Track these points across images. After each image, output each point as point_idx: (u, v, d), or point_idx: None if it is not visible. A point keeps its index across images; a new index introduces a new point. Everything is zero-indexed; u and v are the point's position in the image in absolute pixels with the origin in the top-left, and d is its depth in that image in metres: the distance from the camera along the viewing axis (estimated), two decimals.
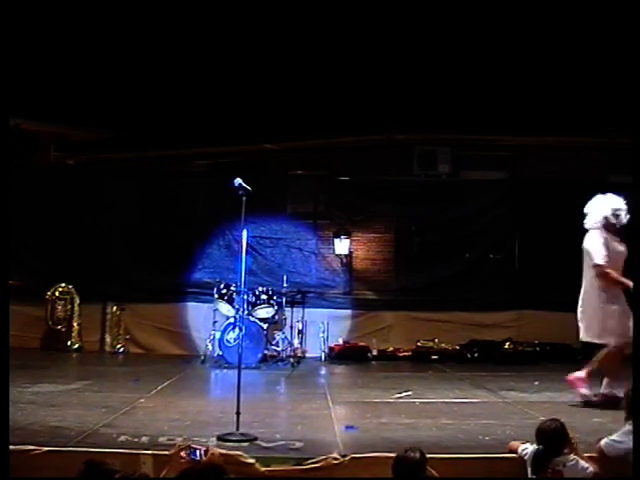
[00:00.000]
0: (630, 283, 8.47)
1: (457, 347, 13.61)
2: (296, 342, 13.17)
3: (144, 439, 6.63)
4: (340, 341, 13.72)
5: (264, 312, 12.67)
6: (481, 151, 14.55)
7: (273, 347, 12.76)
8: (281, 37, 12.11)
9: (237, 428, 6.87)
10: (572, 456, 5.71)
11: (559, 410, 7.89)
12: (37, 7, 11.20)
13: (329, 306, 14.27)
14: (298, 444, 6.64)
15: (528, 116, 13.60)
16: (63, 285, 13.97)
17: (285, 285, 13.10)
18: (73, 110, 12.99)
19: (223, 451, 6.05)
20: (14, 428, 6.71)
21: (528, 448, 5.94)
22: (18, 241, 13.39)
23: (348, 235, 14.55)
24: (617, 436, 5.88)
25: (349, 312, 14.35)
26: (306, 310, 13.75)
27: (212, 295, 12.79)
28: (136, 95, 12.83)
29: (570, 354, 13.14)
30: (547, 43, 12.44)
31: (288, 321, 13.41)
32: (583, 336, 9.10)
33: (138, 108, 13.07)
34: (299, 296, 13.70)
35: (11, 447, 5.86)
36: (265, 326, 12.42)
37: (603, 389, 8.83)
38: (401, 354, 13.59)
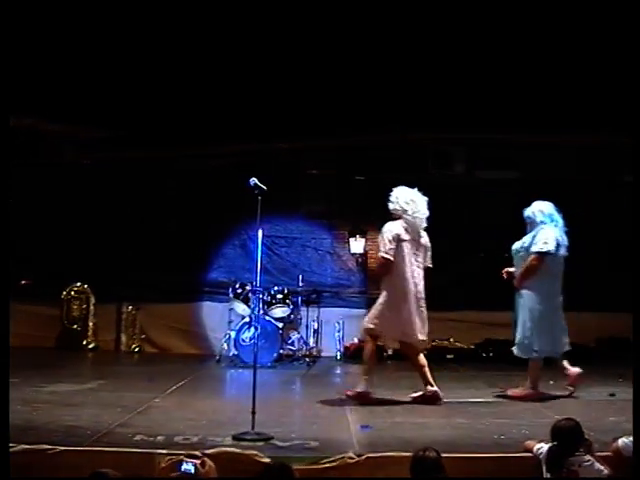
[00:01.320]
0: None
1: (472, 346, 13.59)
2: (311, 341, 13.20)
3: (159, 438, 6.64)
4: (355, 340, 13.71)
5: (279, 311, 12.69)
6: (496, 150, 14.49)
7: (288, 346, 12.79)
8: (295, 35, 12.08)
9: (252, 427, 6.88)
10: (588, 457, 5.68)
11: (574, 409, 7.88)
12: (47, 7, 11.24)
13: (345, 305, 14.28)
14: (313, 443, 6.64)
15: (543, 115, 13.53)
16: (78, 285, 14.04)
17: (300, 284, 13.13)
18: (89, 109, 12.99)
19: (238, 450, 6.06)
20: (30, 428, 6.76)
21: (543, 447, 5.91)
22: (33, 240, 13.46)
23: (363, 234, 14.54)
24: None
25: (364, 311, 14.32)
26: (321, 309, 13.76)
27: (227, 294, 12.82)
28: (152, 93, 12.83)
29: (585, 354, 13.10)
30: (565, 42, 12.37)
31: (303, 320, 13.43)
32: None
33: (154, 106, 13.06)
34: (314, 295, 13.72)
35: (26, 446, 5.89)
36: (280, 325, 12.45)
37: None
38: None
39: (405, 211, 9.15)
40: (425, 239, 9.30)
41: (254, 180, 7.86)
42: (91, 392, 9.28)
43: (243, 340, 12.01)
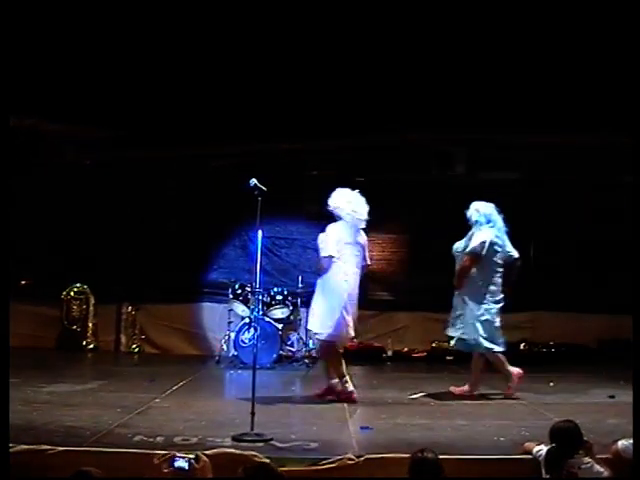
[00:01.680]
0: None
1: None
2: (311, 343, 13.17)
3: (159, 439, 6.64)
4: (355, 342, 13.70)
5: (279, 312, 12.69)
6: (497, 151, 14.48)
7: (288, 347, 12.78)
8: (295, 35, 12.08)
9: (252, 428, 6.88)
10: (587, 459, 5.67)
11: (574, 411, 7.87)
12: (47, 7, 11.24)
13: None
14: (313, 444, 6.64)
15: (545, 116, 13.51)
16: (78, 285, 14.03)
17: (300, 285, 13.10)
18: (88, 109, 12.99)
19: (237, 451, 6.06)
20: (29, 428, 6.77)
21: (543, 449, 5.91)
22: (33, 240, 13.46)
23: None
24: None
25: (364, 313, 14.34)
26: None
27: (227, 295, 12.82)
28: (152, 93, 12.82)
29: (586, 355, 13.14)
30: (568, 43, 12.37)
31: (303, 322, 13.40)
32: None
33: (154, 106, 13.06)
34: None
35: (26, 447, 5.89)
36: (280, 326, 12.44)
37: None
38: (416, 355, 13.59)
39: (346, 213, 9.35)
40: (363, 238, 9.49)
41: (254, 181, 7.87)
42: (91, 392, 9.27)
43: (243, 341, 12.01)
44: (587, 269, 14.01)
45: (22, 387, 8.83)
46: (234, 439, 6.69)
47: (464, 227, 13.48)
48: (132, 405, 8.31)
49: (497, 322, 9.57)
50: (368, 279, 14.66)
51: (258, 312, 10.85)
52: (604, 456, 5.80)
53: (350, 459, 6.02)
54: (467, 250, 9.49)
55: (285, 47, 12.29)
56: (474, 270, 9.44)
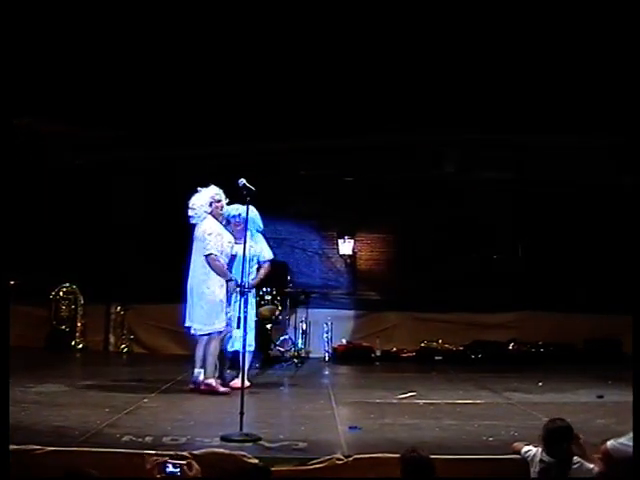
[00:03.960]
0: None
1: (461, 348, 13.62)
2: (300, 342, 13.18)
3: (148, 439, 6.62)
4: (344, 342, 13.72)
5: (268, 312, 12.67)
6: (488, 151, 14.48)
7: (277, 347, 12.77)
8: (289, 37, 12.08)
9: (241, 428, 6.87)
10: (576, 458, 5.69)
11: (563, 411, 7.88)
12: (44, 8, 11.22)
13: (333, 306, 14.30)
14: (302, 444, 6.63)
15: (535, 116, 13.50)
16: (67, 285, 14.00)
17: (289, 285, 13.10)
18: (82, 109, 12.96)
19: (226, 451, 6.06)
20: (18, 428, 6.72)
21: (531, 450, 5.93)
22: (23, 240, 13.41)
23: (352, 235, 14.55)
24: (625, 439, 5.83)
25: (353, 312, 14.37)
26: (310, 310, 13.75)
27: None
28: (146, 94, 12.80)
29: (574, 354, 13.18)
30: (559, 42, 12.38)
31: (292, 322, 13.42)
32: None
33: (148, 107, 13.02)
34: (303, 297, 13.70)
35: (14, 447, 5.86)
36: (269, 327, 12.42)
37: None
38: (405, 355, 13.60)
39: (209, 212, 9.58)
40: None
41: (243, 181, 7.87)
42: (79, 392, 9.24)
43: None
44: (575, 269, 14.06)
45: (11, 387, 8.77)
46: (223, 439, 6.68)
47: (454, 226, 13.55)
48: (121, 405, 8.29)
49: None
50: (357, 279, 14.78)
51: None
52: (595, 456, 5.81)
53: (339, 459, 6.02)
54: None
55: (272, 46, 12.28)
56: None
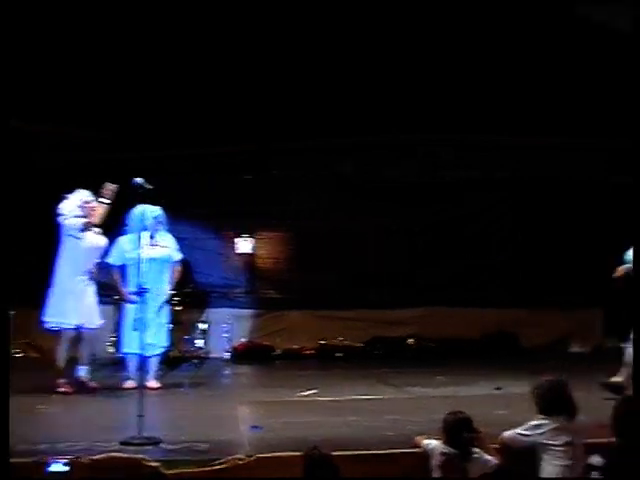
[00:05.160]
0: None
1: (361, 344, 13.70)
2: (199, 343, 13.06)
3: (44, 447, 6.45)
4: (244, 341, 13.66)
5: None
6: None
7: (176, 348, 12.61)
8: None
9: (140, 431, 6.75)
10: (475, 449, 5.78)
11: (462, 404, 7.93)
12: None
13: (233, 306, 14.20)
14: (203, 446, 6.56)
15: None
16: None
17: (189, 285, 12.97)
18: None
19: (125, 455, 5.96)
20: None
21: (432, 442, 5.99)
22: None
23: (251, 234, 14.49)
24: (523, 429, 5.95)
25: (253, 311, 14.31)
26: (210, 310, 13.66)
27: (112, 297, 12.56)
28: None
29: (473, 349, 13.39)
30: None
31: (191, 322, 13.28)
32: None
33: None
34: (202, 296, 13.59)
35: None
36: (170, 327, 12.27)
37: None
38: (305, 353, 13.61)
39: (81, 215, 9.57)
40: None
41: (138, 180, 7.79)
42: None
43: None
44: (472, 264, 14.31)
45: None
46: (122, 443, 6.55)
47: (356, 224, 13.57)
48: (13, 412, 8.04)
49: None
50: (257, 278, 14.71)
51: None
52: (493, 446, 5.91)
53: (241, 459, 6.00)
54: None
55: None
56: None
